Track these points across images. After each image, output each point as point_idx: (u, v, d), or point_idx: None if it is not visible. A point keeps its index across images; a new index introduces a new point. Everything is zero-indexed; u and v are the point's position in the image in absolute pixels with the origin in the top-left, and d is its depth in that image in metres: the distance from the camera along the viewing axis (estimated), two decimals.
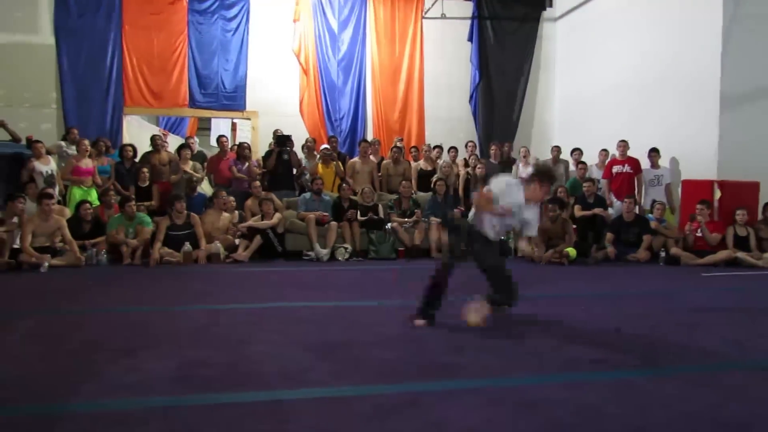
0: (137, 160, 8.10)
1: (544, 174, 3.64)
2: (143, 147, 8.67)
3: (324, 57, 10.59)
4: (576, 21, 11.06)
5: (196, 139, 10.14)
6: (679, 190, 8.28)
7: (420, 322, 3.68)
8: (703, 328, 3.83)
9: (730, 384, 2.68)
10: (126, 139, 9.38)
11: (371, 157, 8.83)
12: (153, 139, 8.35)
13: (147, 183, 7.61)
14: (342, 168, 8.76)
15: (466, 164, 9.29)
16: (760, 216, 7.49)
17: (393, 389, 2.52)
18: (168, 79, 9.74)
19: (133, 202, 6.88)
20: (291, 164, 8.64)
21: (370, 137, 10.27)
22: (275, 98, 10.30)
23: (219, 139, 8.68)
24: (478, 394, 2.50)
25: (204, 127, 13.65)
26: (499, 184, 3.56)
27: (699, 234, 7.21)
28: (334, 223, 7.52)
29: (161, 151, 8.16)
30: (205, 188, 8.49)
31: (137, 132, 10.24)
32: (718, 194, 7.52)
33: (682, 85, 8.39)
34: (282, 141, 8.51)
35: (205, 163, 8.73)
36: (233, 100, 10.03)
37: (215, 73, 9.94)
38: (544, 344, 3.34)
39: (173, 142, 10.55)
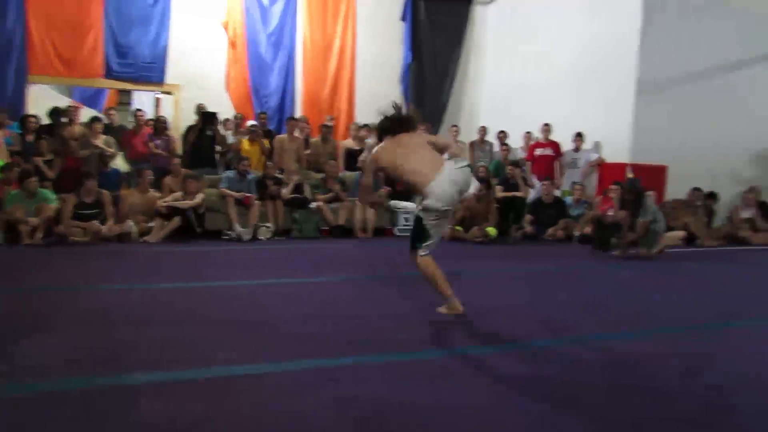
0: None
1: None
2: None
3: (253, 31, 10.24)
4: (506, 6, 11.19)
5: (115, 112, 9.56)
6: (596, 172, 8.63)
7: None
8: (598, 303, 4.00)
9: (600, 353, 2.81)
10: (32, 111, 8.73)
11: (297, 134, 8.64)
12: (63, 110, 7.82)
13: (51, 157, 7.12)
14: (268, 145, 8.55)
15: None
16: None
17: (305, 365, 2.48)
18: (80, 46, 9.08)
19: (35, 178, 6.43)
20: (215, 141, 8.34)
21: (298, 115, 10.05)
22: (200, 72, 9.86)
23: (135, 112, 8.25)
24: (392, 367, 2.51)
25: (125, 101, 12.93)
26: None
27: (611, 213, 7.51)
28: (257, 201, 7.34)
29: (73, 123, 7.68)
30: (120, 164, 8.06)
31: (45, 103, 9.54)
32: (630, 176, 7.85)
33: (602, 71, 8.66)
34: (209, 117, 8.20)
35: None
36: (152, 72, 9.51)
37: (135, 41, 9.38)
38: (462, 321, 3.37)
39: (89, 116, 9.92)
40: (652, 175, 7.87)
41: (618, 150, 8.29)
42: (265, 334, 2.96)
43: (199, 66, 9.86)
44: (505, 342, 2.99)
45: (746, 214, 8.33)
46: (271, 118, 10.13)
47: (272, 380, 2.32)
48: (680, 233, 7.60)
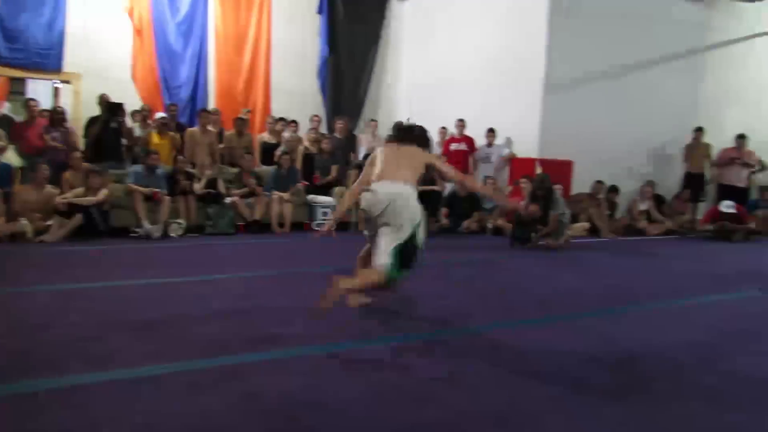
0: None
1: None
2: None
3: (161, 18, 9.76)
4: (422, 3, 11.35)
5: (4, 103, 8.81)
6: (508, 167, 8.97)
7: None
8: (510, 292, 4.14)
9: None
10: None
11: (210, 127, 8.33)
12: None
13: None
14: (179, 139, 8.19)
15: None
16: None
17: (211, 363, 2.41)
18: None
19: None
20: (120, 134, 7.88)
21: (211, 107, 9.70)
22: (103, 60, 9.28)
23: (27, 102, 7.62)
24: (300, 361, 2.49)
25: (18, 90, 11.93)
26: None
27: (522, 204, 7.83)
28: (167, 197, 7.01)
29: None
30: (11, 158, 7.42)
31: None
32: (539, 171, 8.22)
33: (513, 70, 9.00)
34: (114, 109, 7.73)
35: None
36: (46, 59, 8.83)
37: (25, 25, 8.64)
38: (372, 312, 3.38)
39: None
40: (560, 170, 8.28)
41: (527, 146, 8.66)
42: (170, 334, 2.84)
43: (102, 54, 9.28)
44: (415, 332, 3.02)
45: (643, 206, 8.96)
46: (183, 110, 9.73)
47: (176, 380, 2.23)
48: (585, 225, 8.06)
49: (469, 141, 9.11)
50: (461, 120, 9.12)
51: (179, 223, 6.95)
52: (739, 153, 9.38)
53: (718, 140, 9.55)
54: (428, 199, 7.88)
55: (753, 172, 9.67)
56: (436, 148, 9.51)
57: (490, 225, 7.88)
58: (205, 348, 2.63)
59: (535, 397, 2.16)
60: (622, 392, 2.24)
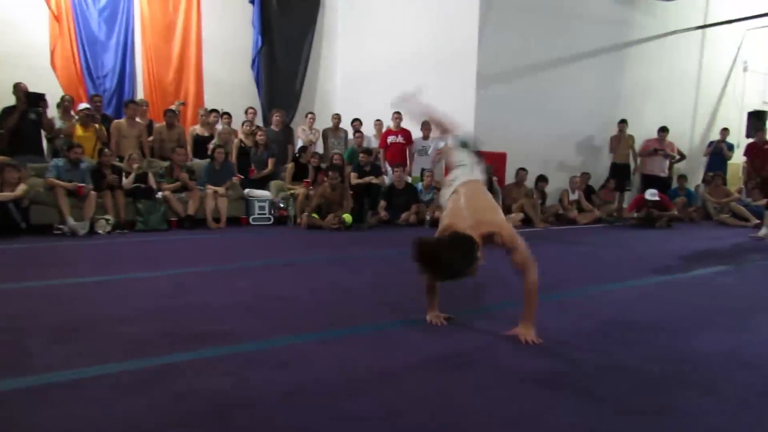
0: None
1: None
2: None
3: (81, 4, 9.24)
4: None
5: None
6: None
7: None
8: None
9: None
10: None
11: (138, 119, 7.99)
12: None
13: None
14: (105, 131, 7.80)
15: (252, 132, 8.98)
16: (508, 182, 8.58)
17: (136, 365, 2.28)
18: None
19: None
20: (40, 125, 7.42)
21: (139, 98, 9.30)
22: (17, 47, 8.71)
23: None
24: (231, 359, 2.39)
25: None
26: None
27: None
28: (93, 192, 6.67)
29: None
30: None
31: None
32: None
33: (447, 63, 9.13)
34: (35, 99, 7.26)
35: None
36: None
37: None
38: (307, 305, 3.34)
39: None
40: (494, 161, 8.48)
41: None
42: (93, 335, 2.68)
43: (16, 39, 8.70)
44: (352, 326, 3.00)
45: (573, 196, 9.33)
46: (108, 101, 9.29)
47: (98, 383, 2.10)
48: (519, 215, 8.30)
49: (406, 134, 9.17)
50: (398, 113, 9.16)
51: (107, 220, 6.63)
52: (660, 144, 9.93)
53: (638, 133, 10.08)
54: (367, 193, 7.92)
55: (673, 163, 10.28)
56: (374, 141, 9.54)
57: (428, 217, 7.97)
58: (129, 349, 2.50)
59: (533, 395, 2.14)
60: (598, 387, 2.27)
